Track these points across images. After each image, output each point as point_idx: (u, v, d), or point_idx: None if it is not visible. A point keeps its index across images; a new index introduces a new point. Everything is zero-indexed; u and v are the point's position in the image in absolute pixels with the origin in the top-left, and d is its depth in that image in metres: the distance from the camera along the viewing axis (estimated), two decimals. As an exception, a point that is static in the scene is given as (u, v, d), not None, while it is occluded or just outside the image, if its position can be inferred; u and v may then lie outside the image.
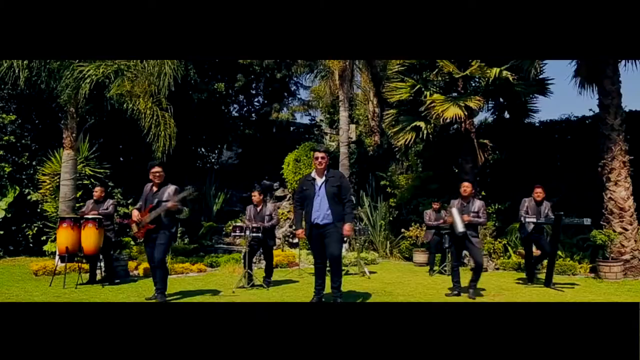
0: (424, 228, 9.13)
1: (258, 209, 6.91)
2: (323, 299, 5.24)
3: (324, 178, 5.09)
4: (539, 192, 6.99)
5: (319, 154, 5.11)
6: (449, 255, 7.35)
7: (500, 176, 10.85)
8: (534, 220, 6.79)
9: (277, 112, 15.97)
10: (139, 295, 5.94)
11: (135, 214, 5.35)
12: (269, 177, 15.06)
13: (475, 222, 5.92)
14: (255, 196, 6.92)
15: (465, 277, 6.19)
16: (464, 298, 5.91)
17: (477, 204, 6.03)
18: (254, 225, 6.54)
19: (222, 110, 14.91)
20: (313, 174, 5.20)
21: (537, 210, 6.92)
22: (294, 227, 5.48)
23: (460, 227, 5.77)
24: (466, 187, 6.08)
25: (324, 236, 5.02)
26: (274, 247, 7.45)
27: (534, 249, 7.30)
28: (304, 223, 5.26)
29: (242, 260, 7.06)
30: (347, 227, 4.99)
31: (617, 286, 6.90)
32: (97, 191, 7.12)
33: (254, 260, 7.80)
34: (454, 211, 5.87)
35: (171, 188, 5.40)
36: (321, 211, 5.01)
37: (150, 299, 5.45)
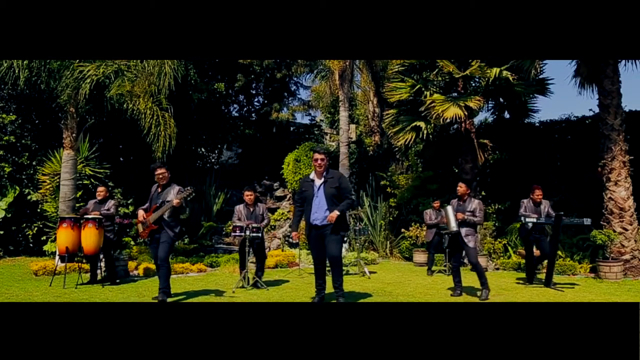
0: (424, 228, 9.14)
1: (251, 209, 6.81)
2: (324, 299, 5.26)
3: (322, 179, 5.10)
4: (538, 194, 6.97)
5: (318, 156, 5.11)
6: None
7: (500, 176, 10.85)
8: (534, 220, 6.79)
9: (277, 112, 15.95)
10: (139, 295, 5.94)
11: (141, 214, 5.42)
12: (269, 177, 15.05)
13: (470, 220, 5.94)
14: (250, 196, 6.84)
15: (466, 277, 6.21)
16: (464, 298, 5.92)
17: (474, 203, 6.09)
18: (254, 225, 6.51)
19: (222, 110, 14.90)
20: (312, 175, 5.22)
21: (536, 210, 6.92)
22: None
23: (453, 226, 5.85)
24: (459, 187, 6.20)
25: (324, 237, 5.04)
26: (267, 248, 7.36)
27: (534, 249, 7.29)
28: (302, 224, 5.28)
29: (239, 263, 7.02)
30: (331, 214, 4.89)
31: (617, 286, 6.90)
32: (101, 191, 7.11)
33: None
34: (449, 209, 5.97)
35: (175, 188, 5.45)
36: (319, 212, 5.02)
37: (156, 298, 5.44)
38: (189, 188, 5.49)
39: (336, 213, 4.90)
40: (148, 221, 5.35)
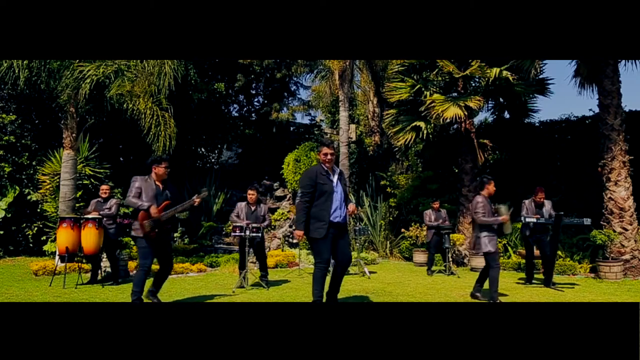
0: (425, 228, 9.13)
1: (252, 208, 6.82)
2: None
3: (336, 175, 4.78)
4: (540, 196, 6.95)
5: (328, 150, 4.69)
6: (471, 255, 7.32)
7: (500, 176, 10.84)
8: (534, 220, 6.78)
9: (277, 112, 15.98)
10: (139, 295, 5.92)
11: (154, 210, 4.78)
12: (269, 177, 15.07)
13: None
14: (253, 195, 6.85)
15: (466, 277, 6.22)
16: (464, 298, 5.91)
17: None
18: (254, 225, 6.51)
19: (222, 110, 14.92)
20: (325, 168, 4.73)
21: (538, 212, 6.91)
22: (293, 227, 5.46)
23: (509, 228, 5.70)
24: (493, 186, 6.02)
25: (339, 236, 4.66)
26: (267, 248, 7.37)
27: (535, 250, 7.27)
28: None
29: (238, 263, 7.04)
30: (352, 206, 4.69)
31: (617, 286, 6.90)
32: (105, 189, 7.10)
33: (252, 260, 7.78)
34: (505, 211, 5.73)
35: (173, 187, 5.24)
36: (341, 209, 4.66)
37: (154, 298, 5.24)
38: (204, 189, 5.38)
39: (354, 205, 4.73)
40: (161, 219, 4.86)
